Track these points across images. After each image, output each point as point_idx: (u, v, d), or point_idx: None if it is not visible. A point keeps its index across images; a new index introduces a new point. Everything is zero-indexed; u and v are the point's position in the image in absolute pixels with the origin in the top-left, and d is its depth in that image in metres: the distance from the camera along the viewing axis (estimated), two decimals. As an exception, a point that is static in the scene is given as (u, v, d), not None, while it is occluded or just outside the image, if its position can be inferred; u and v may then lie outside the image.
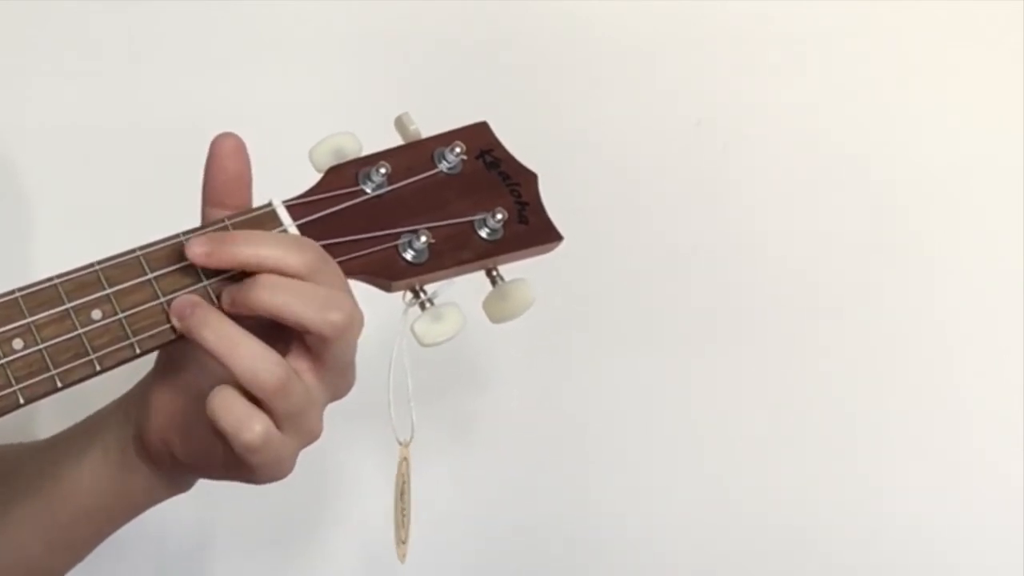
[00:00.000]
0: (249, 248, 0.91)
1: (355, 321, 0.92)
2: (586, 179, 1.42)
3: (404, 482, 1.00)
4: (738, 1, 1.42)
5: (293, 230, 0.95)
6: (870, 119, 1.43)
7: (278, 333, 0.92)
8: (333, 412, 0.99)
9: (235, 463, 0.92)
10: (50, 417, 1.11)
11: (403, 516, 1.01)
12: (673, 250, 1.44)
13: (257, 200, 0.97)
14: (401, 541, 1.00)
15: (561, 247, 1.02)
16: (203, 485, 1.04)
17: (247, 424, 0.89)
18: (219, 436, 0.90)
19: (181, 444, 0.95)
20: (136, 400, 0.99)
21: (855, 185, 1.43)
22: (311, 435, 0.93)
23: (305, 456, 0.91)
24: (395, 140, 1.02)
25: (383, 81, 1.41)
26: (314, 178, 0.98)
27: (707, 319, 1.44)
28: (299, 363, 0.92)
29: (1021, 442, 1.41)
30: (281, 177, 0.98)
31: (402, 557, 1.01)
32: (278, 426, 0.91)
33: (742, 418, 1.43)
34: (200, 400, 0.92)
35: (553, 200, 1.03)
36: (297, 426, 0.92)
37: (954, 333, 1.43)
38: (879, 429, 1.43)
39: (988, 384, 1.43)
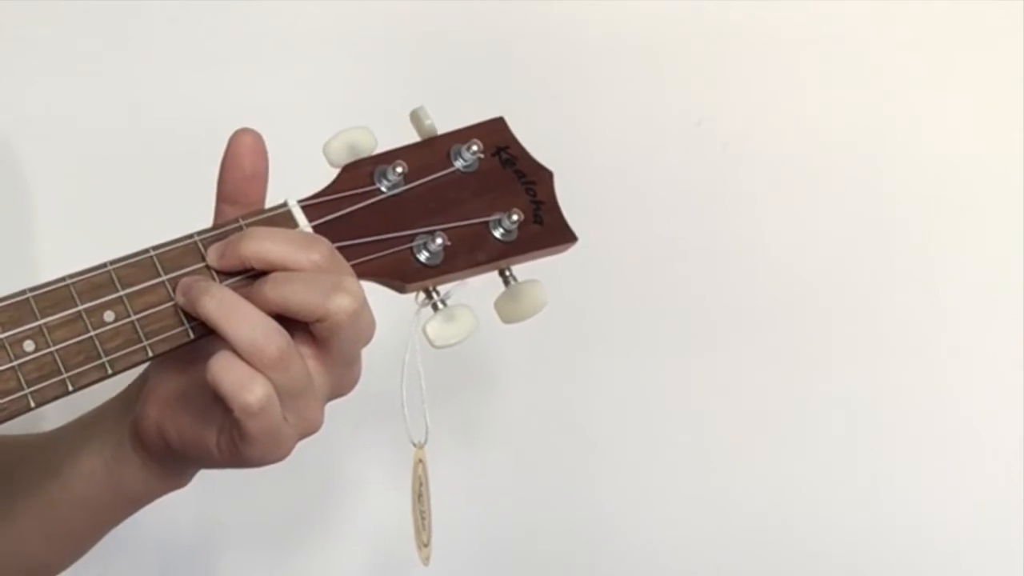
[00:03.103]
0: (255, 245, 0.91)
1: (364, 307, 0.90)
2: (585, 179, 1.41)
3: (421, 484, 0.99)
4: (738, 1, 1.42)
5: (308, 231, 0.94)
6: (870, 119, 1.43)
7: (290, 332, 0.90)
8: (345, 413, 0.98)
9: (229, 445, 0.91)
10: (57, 419, 1.11)
11: (423, 519, 0.99)
12: (673, 250, 1.44)
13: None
14: (423, 544, 0.99)
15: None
16: (212, 484, 1.04)
17: (248, 385, 0.87)
18: (217, 403, 0.89)
19: (175, 429, 0.94)
20: (135, 391, 0.98)
21: (855, 185, 1.43)
22: (310, 424, 0.92)
23: (316, 457, 0.90)
24: (401, 136, 1.00)
25: (389, 78, 1.40)
26: (317, 175, 0.97)
27: (707, 319, 1.44)
28: (304, 348, 0.90)
29: (1021, 442, 1.42)
30: (285, 173, 0.97)
31: (425, 560, 0.99)
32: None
33: (745, 418, 1.43)
34: (194, 382, 0.92)
35: (554, 199, 1.03)
36: (296, 409, 0.90)
37: (954, 333, 1.43)
38: (879, 429, 1.43)
39: (988, 384, 1.43)
